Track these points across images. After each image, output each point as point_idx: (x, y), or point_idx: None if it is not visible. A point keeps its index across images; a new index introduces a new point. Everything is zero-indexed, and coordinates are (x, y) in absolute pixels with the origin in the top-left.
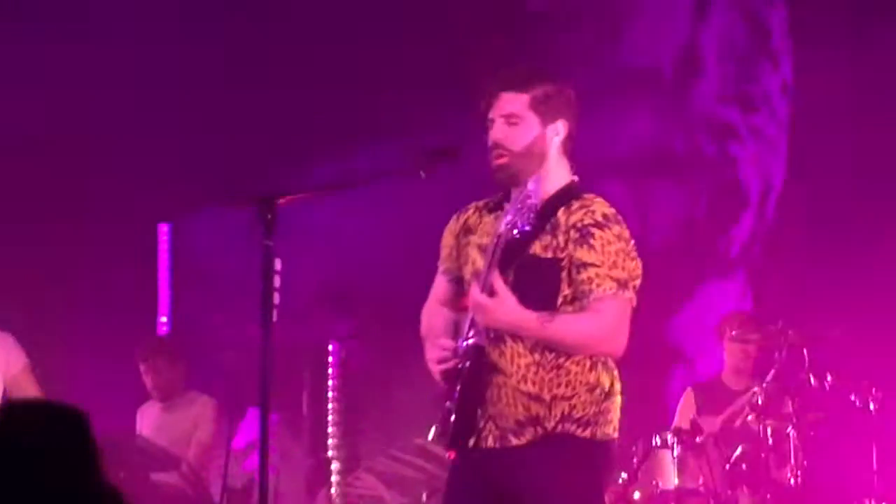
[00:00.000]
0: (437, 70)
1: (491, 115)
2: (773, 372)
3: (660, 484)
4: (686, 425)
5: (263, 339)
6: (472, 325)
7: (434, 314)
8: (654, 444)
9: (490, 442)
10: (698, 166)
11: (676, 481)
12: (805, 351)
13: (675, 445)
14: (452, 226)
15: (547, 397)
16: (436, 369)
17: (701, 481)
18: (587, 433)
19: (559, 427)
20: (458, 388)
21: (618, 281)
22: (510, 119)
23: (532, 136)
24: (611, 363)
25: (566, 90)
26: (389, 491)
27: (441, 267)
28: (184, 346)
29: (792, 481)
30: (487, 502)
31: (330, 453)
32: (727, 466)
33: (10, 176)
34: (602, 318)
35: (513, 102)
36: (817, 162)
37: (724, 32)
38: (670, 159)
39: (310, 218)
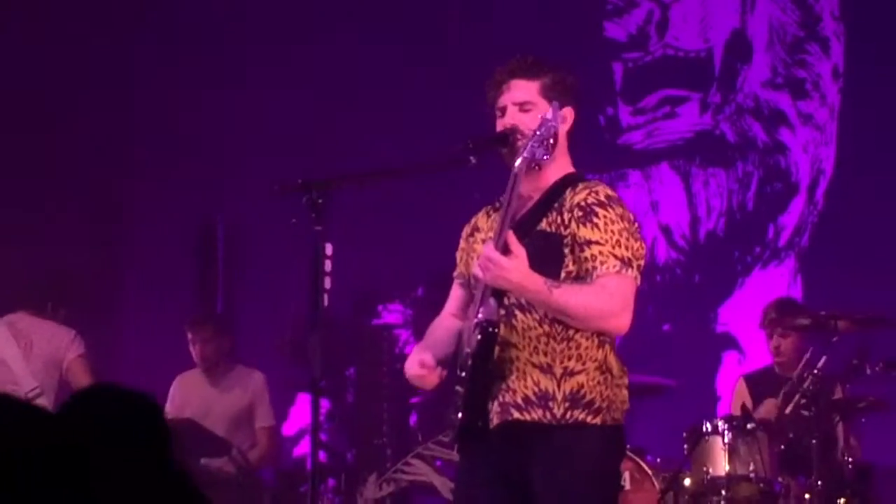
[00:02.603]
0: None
1: (502, 103)
2: (824, 359)
3: (710, 470)
4: (738, 413)
5: (314, 323)
6: (482, 302)
7: (439, 324)
8: (704, 430)
9: (496, 421)
10: (748, 153)
11: (727, 468)
12: (856, 337)
13: (725, 432)
14: (465, 231)
15: (558, 371)
16: (416, 383)
17: (752, 468)
18: (598, 420)
19: (568, 415)
20: (469, 369)
21: (621, 259)
22: (523, 106)
23: None
24: (614, 358)
25: (571, 78)
26: (440, 477)
27: (454, 273)
28: (231, 321)
29: (843, 468)
30: (495, 485)
31: (383, 440)
32: (778, 453)
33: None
34: (606, 293)
35: (524, 89)
36: (868, 147)
37: (773, 17)
38: (720, 146)
39: (359, 207)
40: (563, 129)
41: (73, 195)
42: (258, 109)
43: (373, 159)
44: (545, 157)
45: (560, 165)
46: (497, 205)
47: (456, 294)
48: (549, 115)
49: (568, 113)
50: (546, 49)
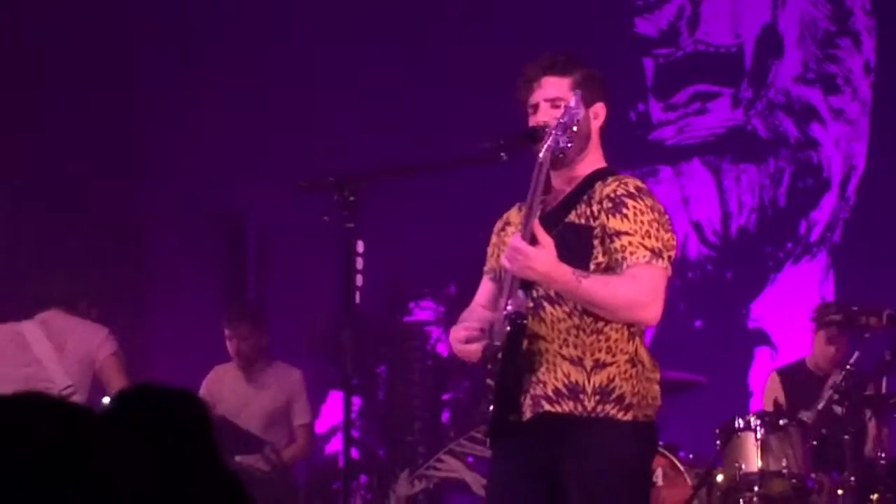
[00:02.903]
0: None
1: (534, 101)
2: (856, 355)
3: (743, 466)
4: (771, 409)
5: (345, 321)
6: (511, 294)
7: (472, 310)
8: (736, 426)
9: (528, 414)
10: (779, 148)
11: (759, 463)
12: (888, 333)
13: (758, 428)
14: (497, 226)
15: (588, 363)
16: (461, 348)
17: (784, 463)
18: (629, 416)
19: (599, 409)
20: (499, 362)
21: (651, 250)
22: (555, 102)
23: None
24: (645, 351)
25: (601, 75)
26: (472, 473)
27: (485, 268)
28: (268, 315)
29: (876, 463)
30: (528, 479)
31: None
32: (811, 449)
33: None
34: (636, 283)
35: (556, 86)
36: None
37: (805, 12)
38: (751, 142)
39: (391, 203)
40: (596, 124)
41: (92, 194)
42: (274, 103)
43: (383, 159)
44: (569, 145)
45: (592, 160)
46: None
47: (486, 288)
48: (572, 104)
49: (600, 109)
50: (577, 45)
